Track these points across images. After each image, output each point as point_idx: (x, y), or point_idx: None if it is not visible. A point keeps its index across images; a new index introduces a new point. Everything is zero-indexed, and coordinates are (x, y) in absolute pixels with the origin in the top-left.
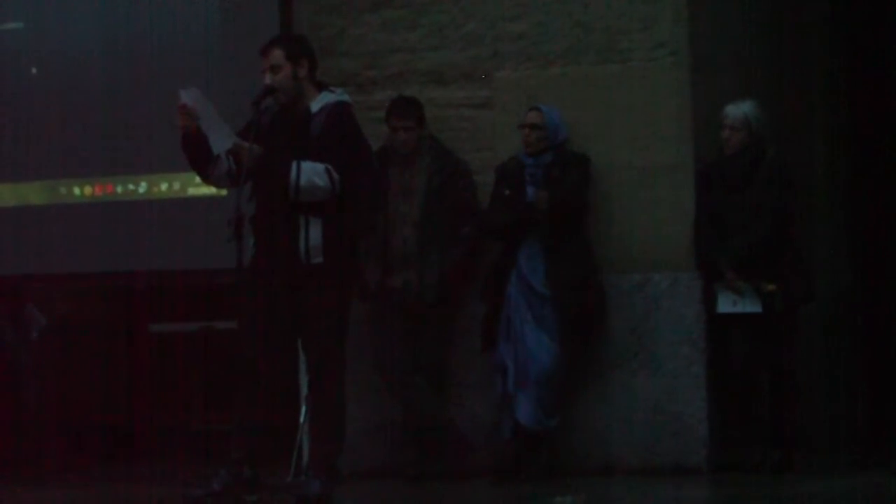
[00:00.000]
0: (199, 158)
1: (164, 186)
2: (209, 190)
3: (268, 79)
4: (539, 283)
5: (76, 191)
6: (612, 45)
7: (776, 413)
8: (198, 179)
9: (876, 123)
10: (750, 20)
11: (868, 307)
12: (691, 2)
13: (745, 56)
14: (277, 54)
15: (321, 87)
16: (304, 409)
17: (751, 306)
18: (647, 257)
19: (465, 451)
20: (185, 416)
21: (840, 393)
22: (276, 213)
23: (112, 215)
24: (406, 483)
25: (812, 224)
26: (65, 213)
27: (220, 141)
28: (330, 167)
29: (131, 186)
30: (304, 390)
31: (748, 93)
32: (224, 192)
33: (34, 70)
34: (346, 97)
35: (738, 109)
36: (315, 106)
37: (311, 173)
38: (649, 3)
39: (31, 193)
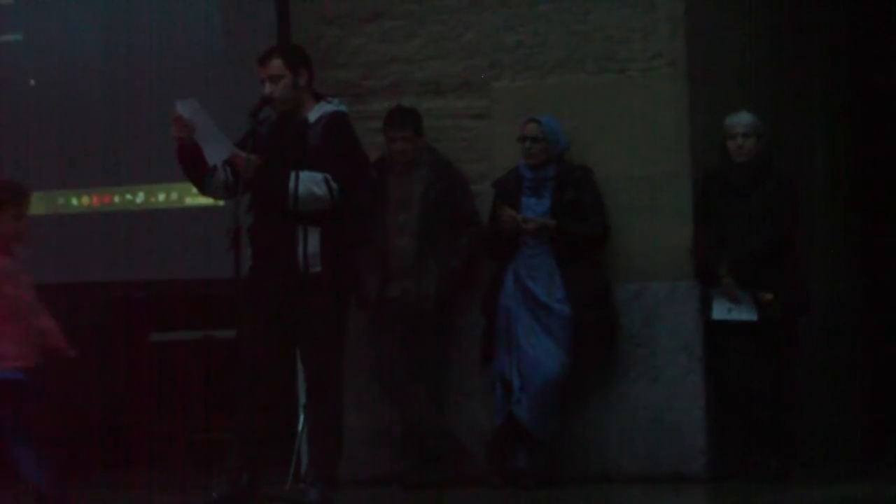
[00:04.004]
0: (196, 170)
1: (161, 196)
2: (206, 200)
3: (267, 88)
4: (543, 293)
5: (74, 201)
6: (609, 55)
7: (775, 421)
8: (195, 189)
9: (876, 131)
10: (747, 30)
11: (868, 315)
12: (689, 12)
13: (743, 65)
14: (277, 64)
15: (319, 97)
16: (302, 417)
17: (746, 314)
18: (646, 266)
19: (463, 459)
20: (185, 425)
21: (840, 401)
22: (274, 222)
23: (110, 225)
24: (405, 491)
25: (812, 232)
26: (63, 223)
27: (217, 152)
28: (328, 177)
29: (129, 196)
30: (302, 399)
31: (747, 102)
32: (221, 201)
33: (32, 82)
34: (343, 107)
35: (744, 117)
36: (313, 116)
37: (310, 183)
38: (647, 14)
39: (30, 204)
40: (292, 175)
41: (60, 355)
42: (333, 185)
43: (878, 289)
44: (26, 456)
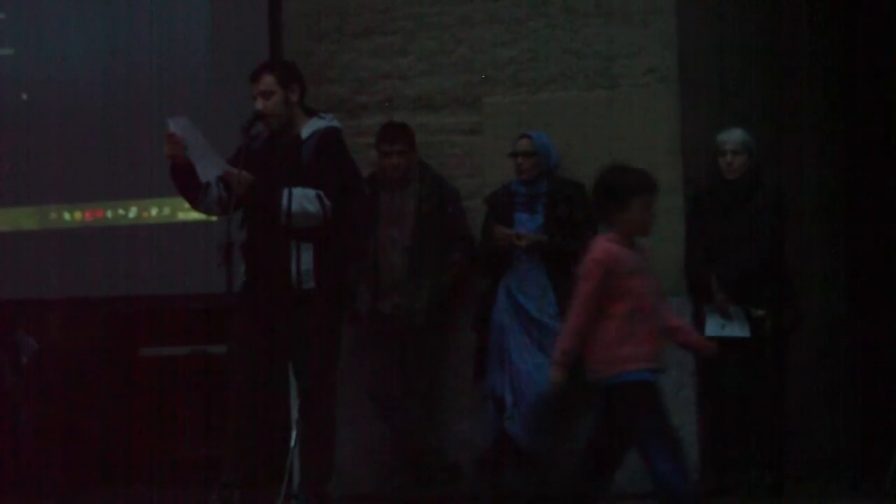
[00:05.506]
0: (188, 186)
1: (153, 211)
2: (199, 215)
3: (259, 104)
4: (534, 308)
5: (66, 216)
6: (602, 70)
7: (769, 437)
8: (188, 205)
9: (868, 147)
10: (740, 46)
11: (862, 331)
12: (681, 27)
13: (735, 81)
14: (269, 80)
15: (311, 113)
16: (294, 433)
17: (739, 331)
18: None
19: (454, 476)
20: (177, 441)
21: (835, 417)
22: (267, 239)
23: (102, 240)
24: None
25: (806, 250)
26: (55, 238)
27: (209, 169)
28: (321, 193)
29: (121, 211)
30: (294, 415)
31: (739, 118)
32: (214, 217)
33: (24, 96)
34: (336, 123)
35: (736, 134)
36: (305, 132)
37: (303, 199)
38: (639, 29)
39: (22, 218)
40: (285, 191)
41: (700, 350)
42: (326, 201)
43: (871, 305)
44: (662, 459)
